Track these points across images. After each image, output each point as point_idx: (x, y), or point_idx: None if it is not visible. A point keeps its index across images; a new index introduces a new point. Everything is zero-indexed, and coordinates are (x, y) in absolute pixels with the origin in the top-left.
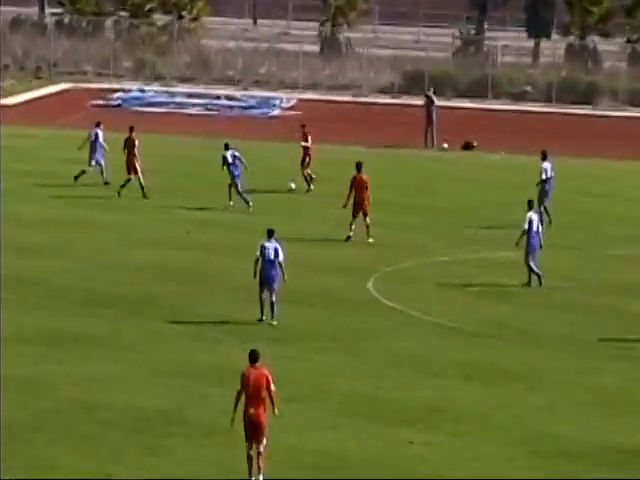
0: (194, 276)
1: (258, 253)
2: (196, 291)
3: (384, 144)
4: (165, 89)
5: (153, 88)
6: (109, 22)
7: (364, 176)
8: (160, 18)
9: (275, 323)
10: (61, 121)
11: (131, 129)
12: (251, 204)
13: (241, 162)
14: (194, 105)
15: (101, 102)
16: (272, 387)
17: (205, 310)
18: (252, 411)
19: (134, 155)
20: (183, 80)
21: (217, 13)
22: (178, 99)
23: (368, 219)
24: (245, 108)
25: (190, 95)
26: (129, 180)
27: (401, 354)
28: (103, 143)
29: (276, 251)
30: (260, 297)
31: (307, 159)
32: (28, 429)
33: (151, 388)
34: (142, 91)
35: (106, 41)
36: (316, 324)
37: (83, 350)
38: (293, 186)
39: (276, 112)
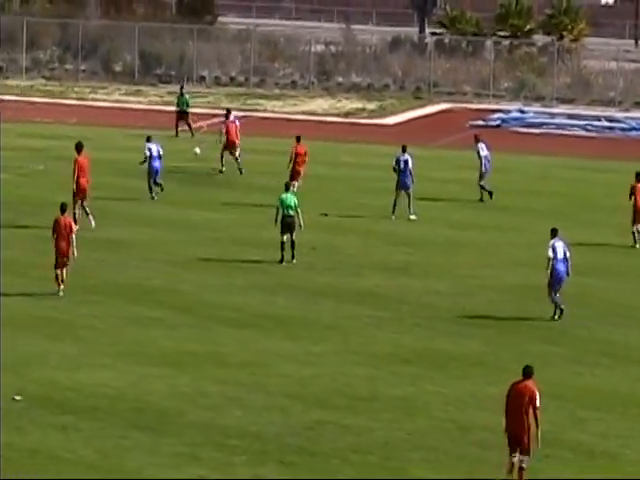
0: (573, 298)
1: None
2: (573, 313)
3: None
4: (545, 110)
5: (533, 109)
6: (489, 42)
7: None
8: (540, 39)
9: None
10: (441, 141)
11: (298, 138)
12: None
13: None
14: (573, 126)
15: (480, 122)
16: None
17: (584, 332)
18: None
19: (300, 164)
20: (563, 101)
21: (597, 34)
22: (557, 120)
23: None
24: (625, 130)
25: (570, 116)
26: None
27: None
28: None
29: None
30: None
31: None
32: (404, 448)
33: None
34: (522, 112)
35: (485, 61)
36: None
37: (458, 370)
38: (198, 151)
39: None
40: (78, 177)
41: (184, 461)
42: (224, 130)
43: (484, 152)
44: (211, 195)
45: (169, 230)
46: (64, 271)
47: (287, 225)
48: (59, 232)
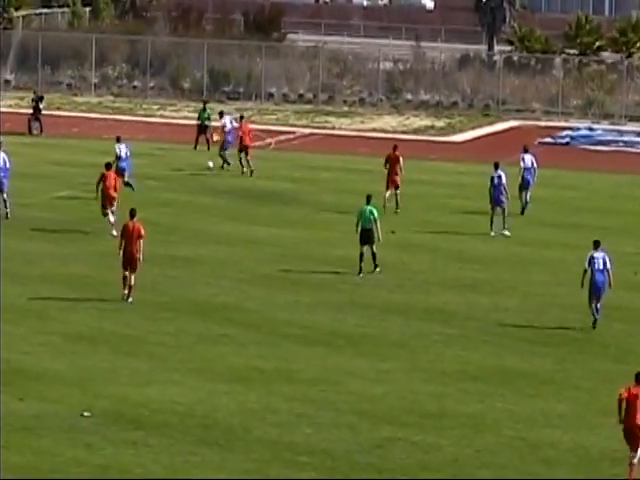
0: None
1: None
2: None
3: None
4: (613, 127)
5: (601, 126)
6: (558, 60)
7: None
8: (609, 56)
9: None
10: (510, 159)
11: (395, 147)
12: None
13: None
14: None
15: (549, 140)
16: None
17: None
18: None
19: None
20: (632, 118)
21: None
22: (626, 137)
23: None
24: None
25: (639, 134)
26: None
27: None
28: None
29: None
30: None
31: None
32: (472, 465)
33: (597, 428)
34: (591, 129)
35: (554, 79)
36: None
37: (527, 388)
38: (211, 164)
39: None
40: (105, 188)
41: (252, 478)
42: (239, 134)
43: (524, 164)
44: (278, 212)
45: (237, 247)
46: (132, 277)
47: (365, 237)
48: (127, 237)
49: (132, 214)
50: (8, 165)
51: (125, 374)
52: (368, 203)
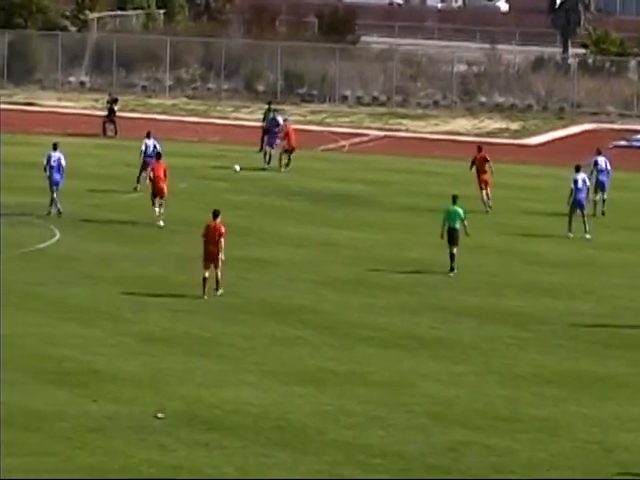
0: None
1: None
2: None
3: None
4: None
5: None
6: (633, 63)
7: None
8: None
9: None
10: (584, 162)
11: (479, 148)
12: None
13: None
14: None
15: (623, 143)
16: None
17: None
18: None
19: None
20: None
21: None
22: None
23: None
24: None
25: None
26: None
27: None
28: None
29: None
30: None
31: None
32: (547, 469)
33: None
34: None
35: (630, 82)
36: None
37: (602, 391)
38: (238, 168)
39: None
40: (154, 179)
41: (324, 479)
42: (283, 134)
43: (598, 166)
44: (353, 214)
45: (312, 249)
46: (218, 272)
47: (452, 237)
48: (209, 236)
49: (215, 214)
50: (64, 164)
51: (198, 375)
52: (454, 203)
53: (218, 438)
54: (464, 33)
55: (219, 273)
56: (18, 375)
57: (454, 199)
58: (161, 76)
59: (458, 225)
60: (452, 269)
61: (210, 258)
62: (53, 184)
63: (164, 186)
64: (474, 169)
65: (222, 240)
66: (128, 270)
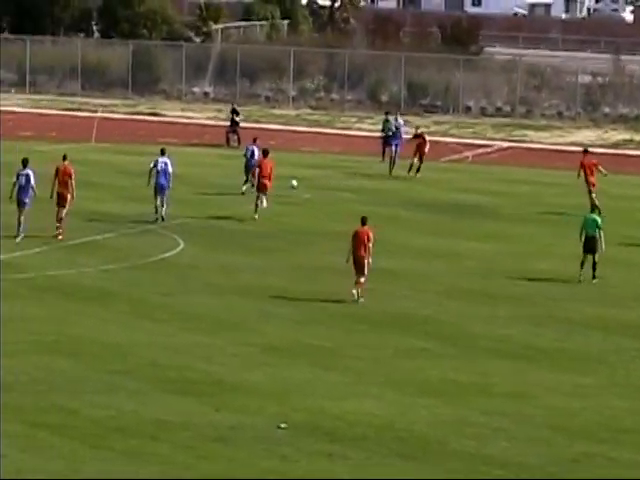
0: None
1: None
2: None
3: None
4: None
5: None
6: None
7: None
8: None
9: None
10: None
11: (585, 152)
12: None
13: None
14: None
15: None
16: None
17: None
18: None
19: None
20: None
21: None
22: None
23: None
24: None
25: None
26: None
27: None
28: None
29: None
30: None
31: None
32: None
33: None
34: None
35: None
36: None
37: None
38: (295, 183)
39: None
40: (260, 176)
41: None
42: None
43: None
44: (478, 225)
45: (436, 260)
46: (361, 279)
47: (589, 245)
48: (357, 242)
49: (363, 222)
50: (170, 170)
51: (322, 387)
52: (592, 212)
53: (341, 449)
54: (589, 44)
55: (363, 279)
56: (142, 384)
57: (592, 208)
58: (285, 87)
59: (595, 234)
60: (594, 277)
61: (358, 264)
62: (159, 188)
63: (267, 182)
64: (582, 173)
65: (370, 245)
66: (251, 280)
